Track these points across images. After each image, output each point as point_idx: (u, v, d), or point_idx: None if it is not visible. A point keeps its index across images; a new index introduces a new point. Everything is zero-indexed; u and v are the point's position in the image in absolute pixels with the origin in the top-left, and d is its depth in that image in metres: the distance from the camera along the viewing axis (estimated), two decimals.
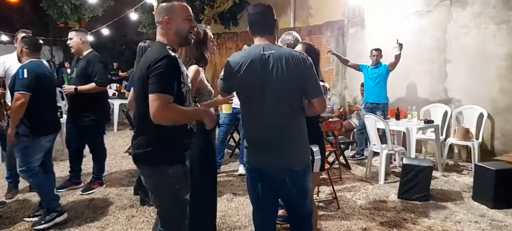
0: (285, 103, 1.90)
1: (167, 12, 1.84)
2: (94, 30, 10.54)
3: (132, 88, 2.18)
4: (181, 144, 1.89)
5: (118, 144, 6.76)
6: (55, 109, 3.36)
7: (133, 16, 8.69)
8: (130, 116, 4.94)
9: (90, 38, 11.63)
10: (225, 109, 2.34)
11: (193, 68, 2.44)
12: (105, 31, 10.47)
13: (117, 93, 8.82)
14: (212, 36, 2.61)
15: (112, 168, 5.11)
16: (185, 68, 1.92)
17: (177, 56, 1.80)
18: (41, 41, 4.17)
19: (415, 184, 3.79)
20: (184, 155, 1.93)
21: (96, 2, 9.23)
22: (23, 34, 3.69)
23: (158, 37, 1.89)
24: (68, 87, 3.83)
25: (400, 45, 5.04)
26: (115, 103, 8.00)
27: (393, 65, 5.27)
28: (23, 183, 3.99)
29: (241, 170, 4.75)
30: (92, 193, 4.04)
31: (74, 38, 3.91)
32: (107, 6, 9.80)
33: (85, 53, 3.95)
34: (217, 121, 2.71)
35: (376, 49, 5.52)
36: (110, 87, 10.02)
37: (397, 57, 5.12)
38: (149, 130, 1.80)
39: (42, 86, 3.05)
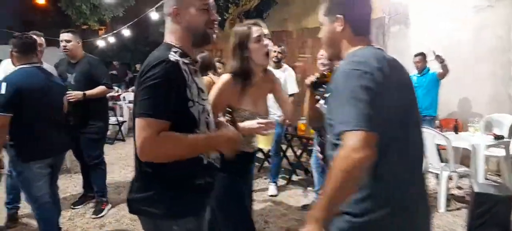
0: (422, 134, 1.27)
1: (175, 1, 1.31)
2: (115, 31, 10.23)
3: None
4: (193, 187, 1.31)
5: None
6: (52, 128, 2.60)
7: (155, 15, 8.26)
8: None
9: (111, 39, 11.44)
10: (262, 144, 1.62)
11: (214, 79, 1.85)
12: (127, 32, 10.14)
13: None
14: (264, 33, 1.86)
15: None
16: (197, 78, 1.32)
17: (181, 62, 1.24)
18: (46, 40, 3.67)
19: (490, 217, 3.05)
20: (199, 202, 1.36)
21: (115, 2, 8.88)
22: (34, 37, 3.21)
23: (166, 36, 1.36)
24: (76, 93, 3.28)
25: (438, 57, 4.44)
26: None
27: (442, 75, 4.66)
28: (24, 208, 3.49)
29: (272, 190, 4.15)
30: (103, 216, 3.55)
31: (72, 41, 3.40)
32: (127, 6, 9.45)
33: (80, 56, 3.52)
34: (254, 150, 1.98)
35: (418, 55, 4.86)
36: (133, 91, 9.71)
37: (444, 68, 4.54)
38: (147, 165, 1.25)
39: (30, 101, 2.41)
